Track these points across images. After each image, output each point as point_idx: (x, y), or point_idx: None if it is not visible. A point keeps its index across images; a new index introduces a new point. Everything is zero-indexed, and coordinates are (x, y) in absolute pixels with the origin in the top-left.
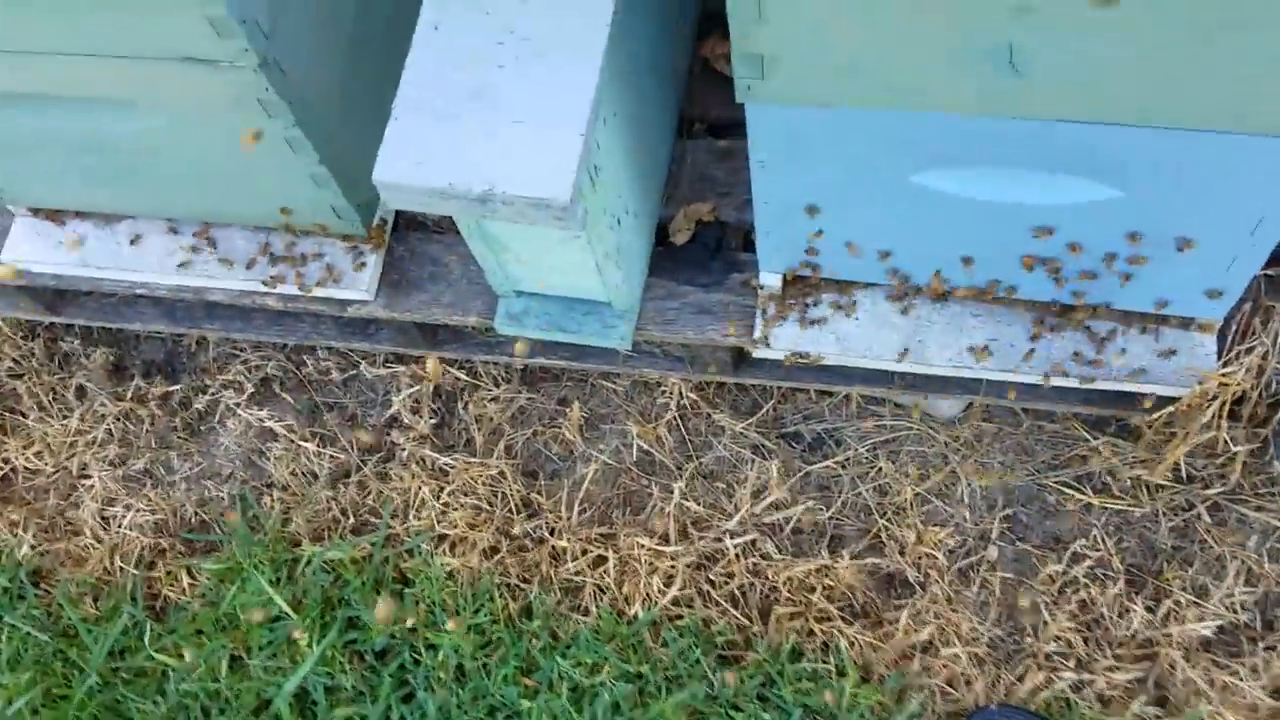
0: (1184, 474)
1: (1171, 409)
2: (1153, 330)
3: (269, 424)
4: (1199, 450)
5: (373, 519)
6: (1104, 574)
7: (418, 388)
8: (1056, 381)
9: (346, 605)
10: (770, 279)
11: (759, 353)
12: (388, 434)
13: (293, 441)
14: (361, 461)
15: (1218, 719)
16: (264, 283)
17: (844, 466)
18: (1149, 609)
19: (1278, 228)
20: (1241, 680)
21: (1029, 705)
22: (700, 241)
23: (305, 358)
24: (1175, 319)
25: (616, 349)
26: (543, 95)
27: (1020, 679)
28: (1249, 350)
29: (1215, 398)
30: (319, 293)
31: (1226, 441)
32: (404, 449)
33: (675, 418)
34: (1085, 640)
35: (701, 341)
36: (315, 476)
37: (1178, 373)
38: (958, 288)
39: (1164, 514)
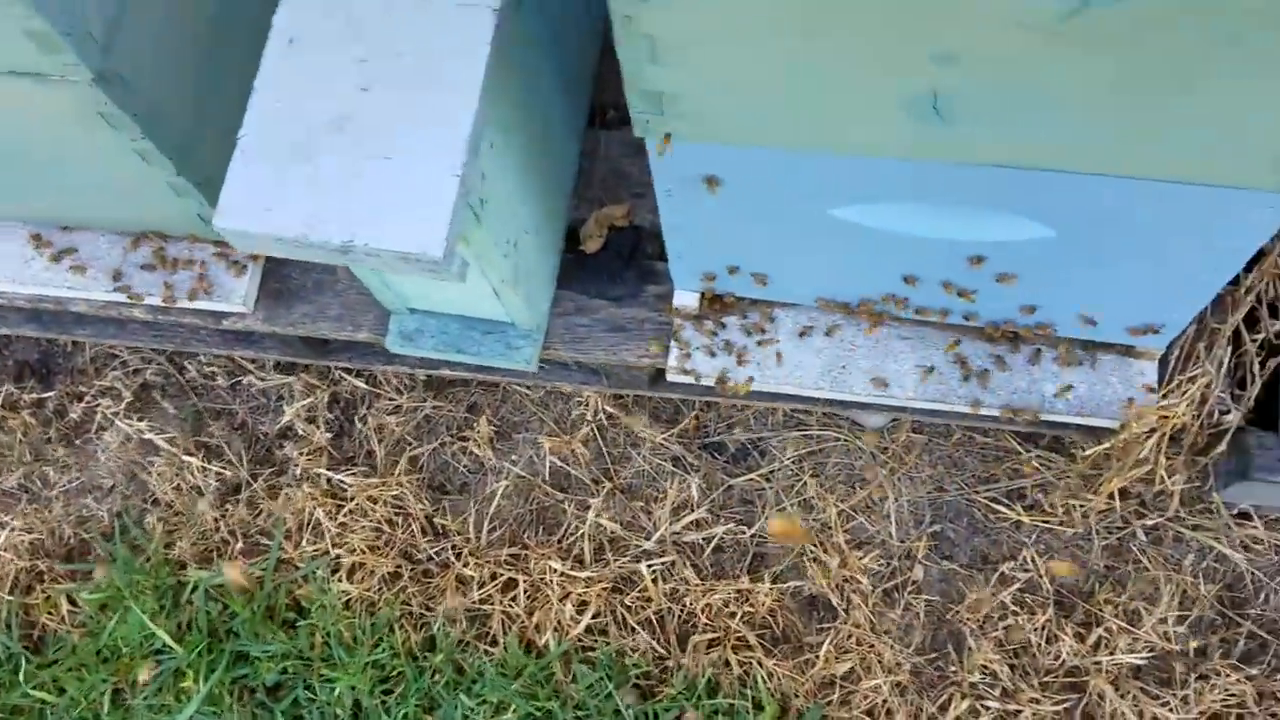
0: (1117, 504)
1: (1107, 445)
2: (1089, 357)
3: (149, 436)
4: (1136, 479)
5: (264, 540)
6: (1033, 598)
7: (312, 398)
8: (987, 412)
9: (235, 637)
10: (686, 298)
11: (675, 378)
12: (280, 446)
13: (175, 455)
14: (251, 477)
15: None
16: (128, 297)
17: (768, 480)
18: (1079, 636)
19: (1220, 272)
20: (1172, 712)
21: None
22: (613, 248)
23: (187, 363)
24: (1115, 346)
25: (522, 370)
26: (413, 125)
27: (943, 709)
28: (1191, 380)
29: (1154, 431)
30: (190, 305)
31: (1164, 477)
32: (297, 465)
33: (592, 429)
34: (1012, 668)
35: (615, 362)
36: (201, 493)
37: (1115, 404)
38: (884, 312)
39: (1097, 533)
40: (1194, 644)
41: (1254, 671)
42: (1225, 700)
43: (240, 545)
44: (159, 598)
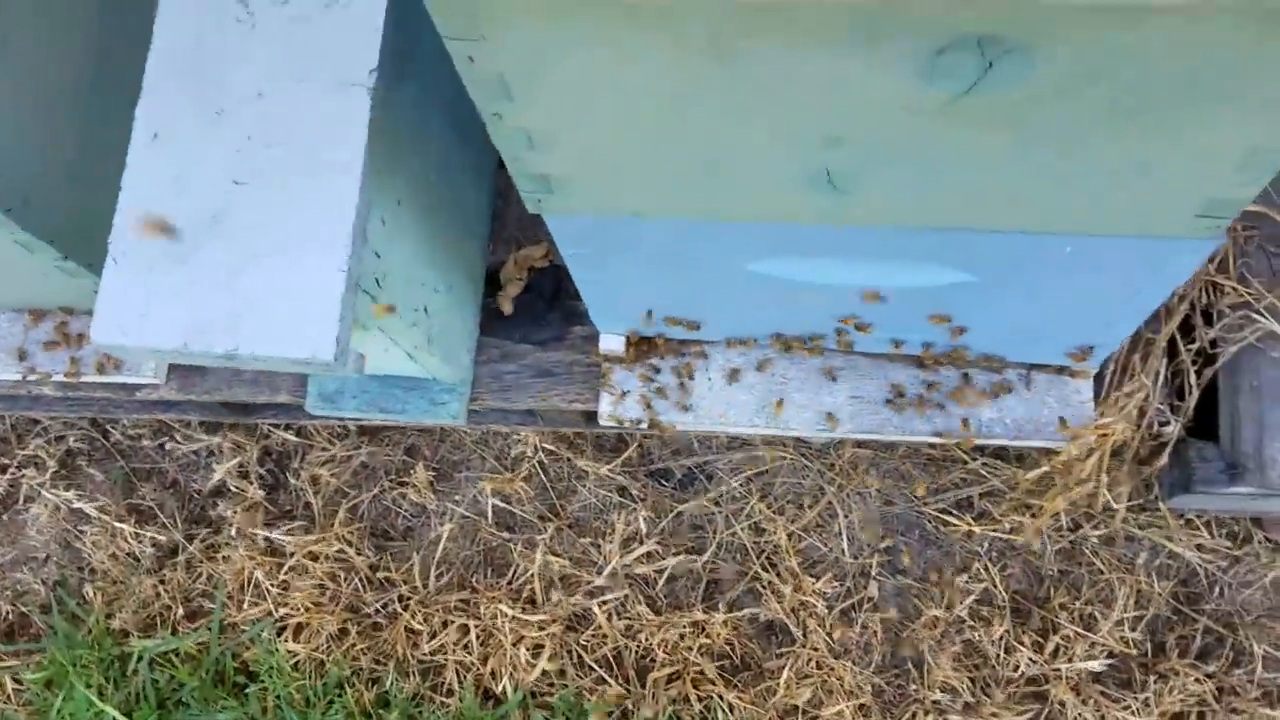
0: (1063, 518)
1: (1047, 468)
2: (1024, 378)
3: (79, 505)
4: (1080, 495)
5: (207, 603)
6: (989, 609)
7: (241, 455)
8: (920, 440)
9: (185, 707)
10: (612, 342)
11: (605, 423)
12: (214, 505)
13: (108, 522)
14: (187, 539)
15: None
16: (29, 379)
17: (717, 504)
18: (1037, 646)
19: (1150, 300)
20: (1134, 715)
21: None
22: (535, 290)
23: (110, 426)
24: (1050, 366)
25: (450, 424)
26: (292, 219)
27: None
28: (1128, 395)
29: (1094, 450)
30: (99, 379)
31: (1106, 495)
32: (233, 524)
33: (534, 466)
34: (972, 681)
35: (545, 409)
36: (137, 560)
37: (1052, 425)
38: (812, 348)
39: (1048, 538)
40: (1152, 642)
41: (1212, 668)
42: (1185, 699)
43: (181, 611)
44: (104, 670)
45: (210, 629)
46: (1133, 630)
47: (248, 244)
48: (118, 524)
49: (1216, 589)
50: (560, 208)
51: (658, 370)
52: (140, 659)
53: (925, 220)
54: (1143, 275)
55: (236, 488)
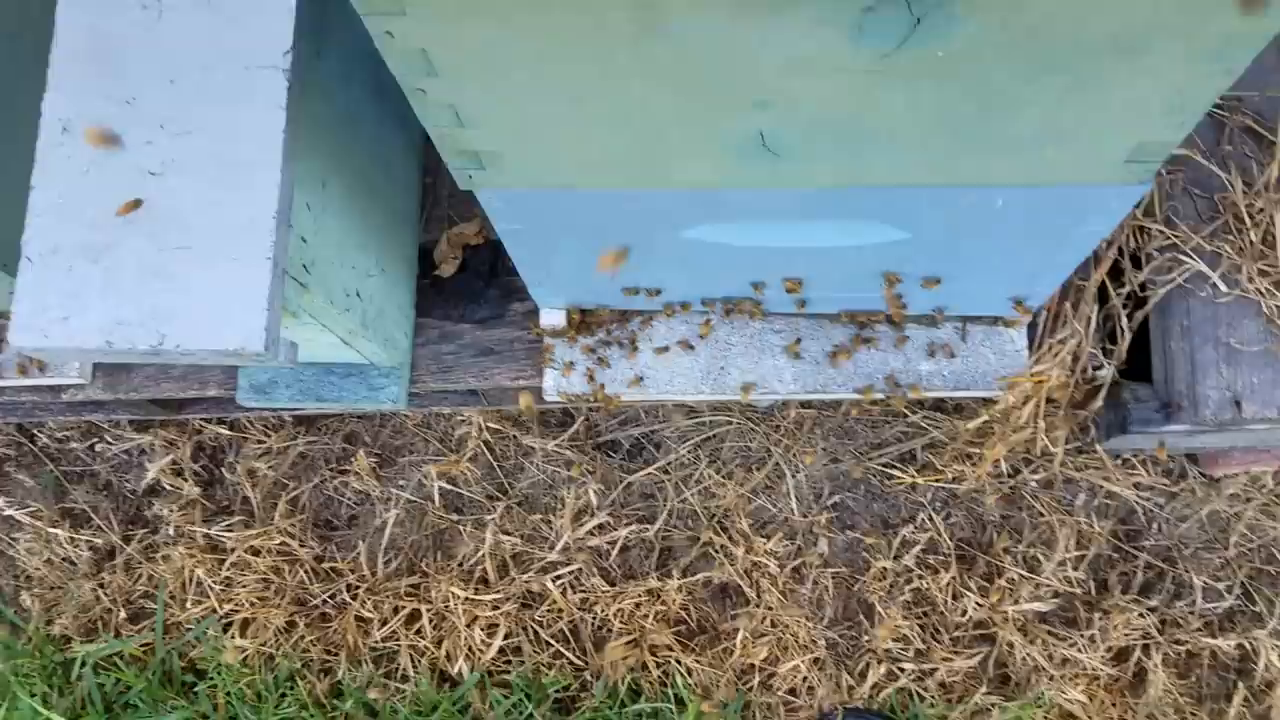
0: (1003, 464)
1: (986, 417)
2: (959, 330)
3: (10, 512)
4: (1019, 442)
5: (149, 604)
6: (935, 558)
7: (174, 452)
8: (865, 396)
9: (134, 710)
10: (553, 316)
11: (551, 398)
12: (149, 505)
13: (41, 528)
14: (124, 540)
15: (1060, 696)
16: None
17: (666, 472)
18: (983, 590)
19: (1078, 252)
20: (1081, 651)
21: (873, 704)
22: (471, 268)
23: (37, 430)
24: (985, 317)
25: (390, 409)
26: (213, 209)
27: (862, 676)
28: (1061, 341)
29: (1030, 398)
30: (22, 382)
31: (1044, 440)
32: (170, 523)
33: (479, 445)
34: (922, 629)
35: (488, 387)
36: (74, 564)
37: (989, 375)
38: (751, 310)
39: (989, 486)
40: (1094, 580)
41: (1154, 602)
42: (1130, 633)
43: (124, 614)
44: (47, 678)
45: (154, 630)
46: (1075, 570)
47: (168, 237)
48: (51, 529)
49: (1154, 525)
50: (491, 183)
51: (600, 343)
52: (84, 664)
53: (859, 179)
54: (1074, 223)
55: (171, 486)
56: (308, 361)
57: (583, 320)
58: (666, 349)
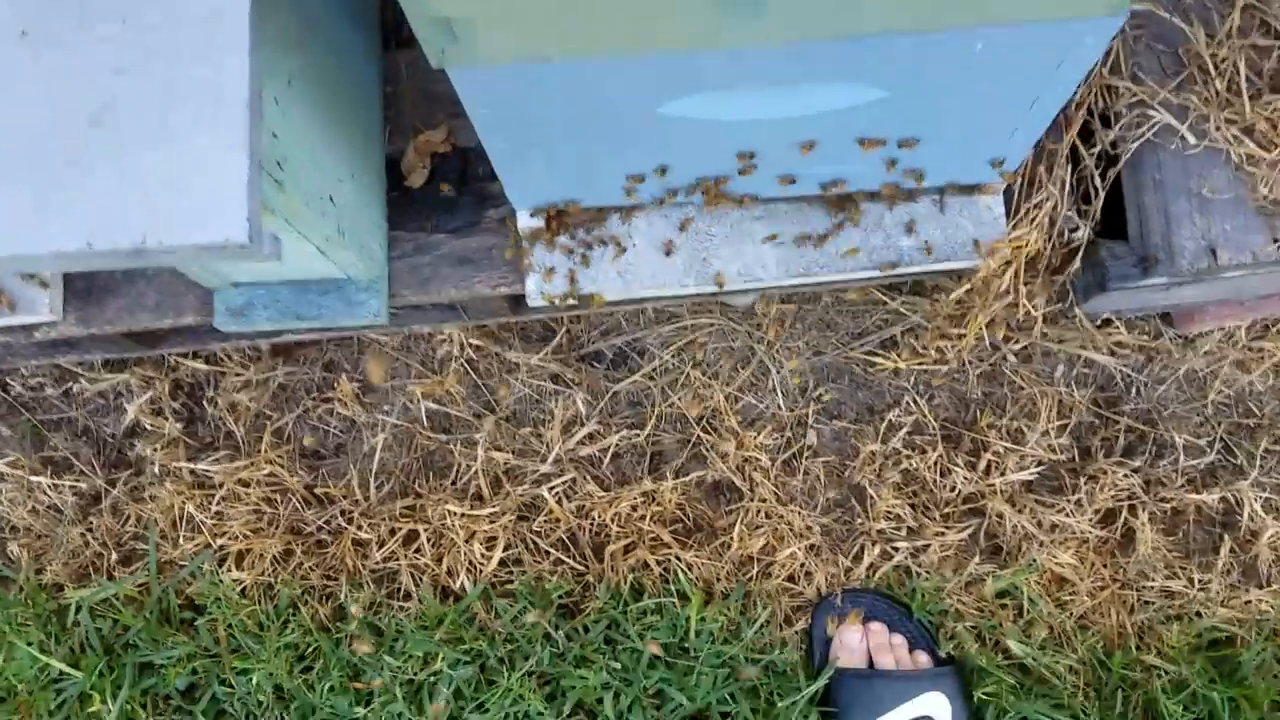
0: (985, 336)
1: (967, 285)
2: (937, 203)
3: None
4: (1000, 310)
5: (140, 545)
6: (922, 438)
7: (152, 390)
8: (849, 277)
9: (134, 649)
10: (528, 218)
11: (534, 302)
12: (131, 446)
13: (22, 477)
14: (109, 484)
15: (1051, 561)
16: None
17: (652, 378)
18: (970, 465)
19: (1053, 102)
20: (1068, 516)
21: (870, 584)
22: (442, 177)
23: (9, 379)
24: (959, 187)
25: (371, 324)
26: (182, 102)
27: (857, 559)
28: (1037, 206)
29: (1010, 263)
30: None
31: (1025, 304)
32: (154, 462)
33: (462, 365)
34: (913, 508)
35: (468, 297)
36: (60, 511)
37: (968, 244)
38: (730, 194)
39: (970, 364)
40: (1078, 447)
41: (1138, 463)
42: (1116, 495)
43: (115, 556)
44: (42, 626)
45: (148, 570)
46: (1059, 438)
47: (138, 135)
48: (33, 478)
49: (1133, 389)
50: (464, 59)
51: (580, 243)
52: (79, 609)
53: (843, 27)
54: (1052, 65)
55: (152, 426)
56: (284, 281)
57: (561, 220)
58: (647, 244)
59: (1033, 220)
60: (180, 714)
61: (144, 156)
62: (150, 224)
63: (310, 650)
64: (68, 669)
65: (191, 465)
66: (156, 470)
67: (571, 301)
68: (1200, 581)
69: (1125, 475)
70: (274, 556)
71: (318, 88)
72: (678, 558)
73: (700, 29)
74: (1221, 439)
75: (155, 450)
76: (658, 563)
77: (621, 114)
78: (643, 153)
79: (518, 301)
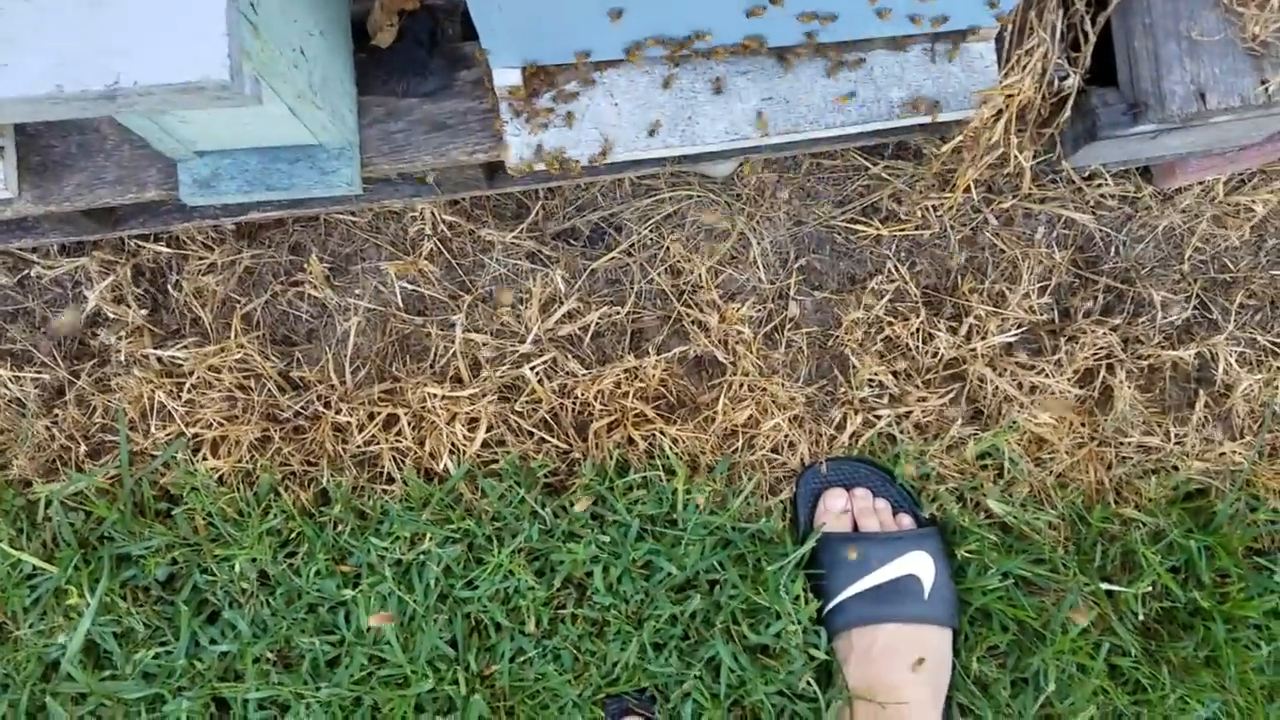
0: (973, 194)
1: (958, 139)
2: (928, 52)
3: None
4: (988, 165)
5: (109, 436)
6: (904, 305)
7: (112, 275)
8: (840, 132)
9: (110, 541)
10: (508, 76)
11: (514, 164)
12: (94, 335)
13: None
14: (73, 375)
15: (1031, 421)
16: None
17: (630, 254)
18: (951, 330)
19: None
20: (1048, 377)
21: (853, 452)
22: (411, 37)
23: None
24: (950, 34)
25: (345, 194)
26: None
27: (840, 428)
28: (1028, 53)
29: (1001, 113)
30: None
31: (1016, 156)
32: (119, 350)
33: (435, 244)
34: (895, 375)
35: (444, 164)
36: (23, 405)
37: (962, 94)
38: (716, 47)
39: (952, 229)
40: (1058, 308)
41: (1116, 321)
42: (1095, 354)
43: (84, 449)
44: (12, 522)
45: (119, 461)
46: (1039, 299)
47: None
48: None
49: (1112, 249)
50: None
51: (559, 102)
52: (49, 504)
53: None
54: None
55: (114, 314)
56: (252, 149)
57: (540, 78)
58: (629, 103)
59: (1025, 67)
60: (161, 604)
61: None
62: (123, 64)
63: (294, 535)
64: (42, 564)
65: (159, 353)
66: (122, 359)
67: (552, 164)
68: (1176, 435)
69: (1104, 334)
70: (251, 443)
71: None
72: (662, 433)
73: None
74: (1198, 295)
75: (119, 338)
76: (643, 438)
77: None
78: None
79: (494, 171)
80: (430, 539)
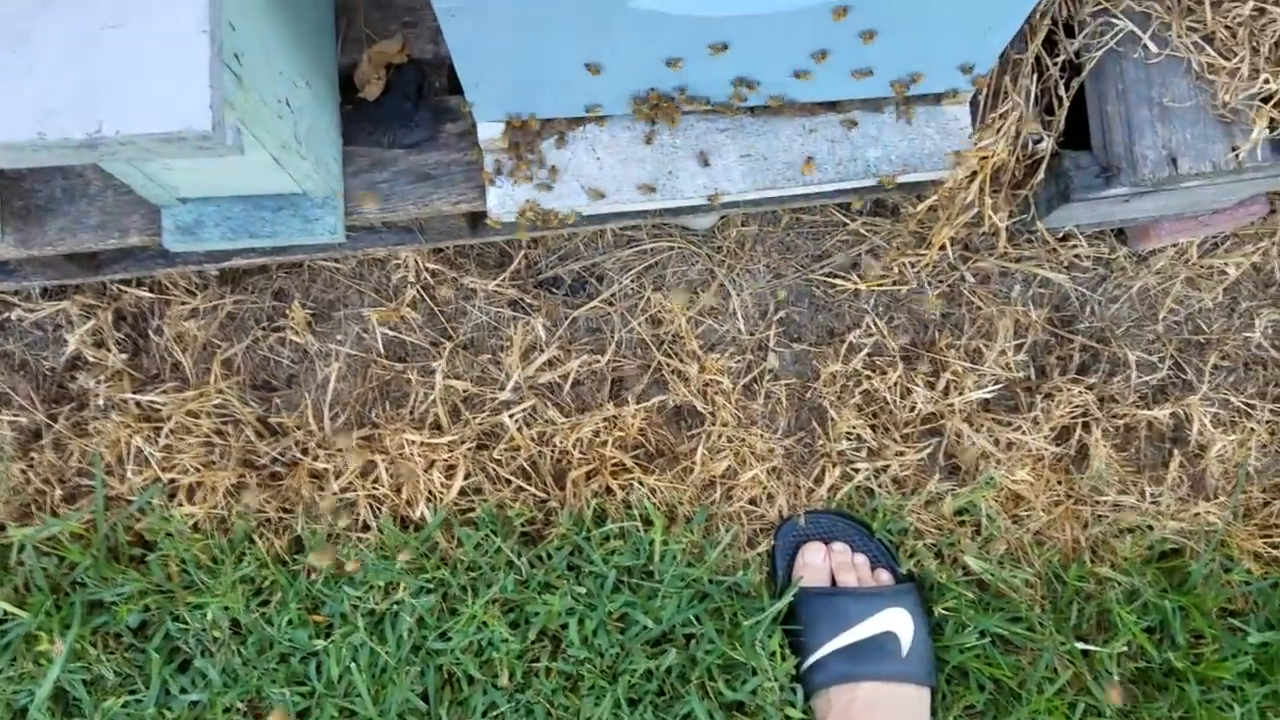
0: (949, 252)
1: (934, 198)
2: (904, 114)
3: None
4: (963, 224)
5: (85, 481)
6: (882, 359)
7: (93, 319)
8: (815, 189)
9: (82, 587)
10: (492, 130)
11: (496, 217)
12: (73, 379)
13: None
14: (50, 418)
15: (1008, 478)
16: None
17: (611, 303)
18: (929, 384)
19: None
20: (1025, 434)
21: (831, 505)
22: (398, 90)
23: None
24: (927, 98)
25: (328, 243)
26: None
27: (818, 480)
28: (1003, 116)
29: (975, 174)
30: None
31: (990, 216)
32: (98, 394)
33: (418, 291)
34: (874, 429)
35: (428, 214)
36: None
37: (936, 155)
38: (695, 98)
39: (929, 285)
40: (1034, 366)
41: (1092, 380)
42: (1071, 412)
43: (59, 493)
44: None
45: (94, 506)
46: (1015, 357)
47: (92, 16)
48: None
49: (1088, 308)
50: None
51: (542, 155)
52: (22, 548)
53: None
54: None
55: (94, 357)
56: (236, 196)
57: (524, 132)
58: (610, 157)
59: (998, 130)
60: (132, 651)
61: (99, 39)
62: (106, 113)
63: (267, 583)
64: (13, 609)
65: (138, 397)
66: (101, 403)
67: (534, 216)
68: (1152, 495)
69: (1080, 393)
70: (227, 489)
71: None
72: (640, 482)
73: None
74: (1172, 355)
75: (99, 382)
76: (620, 488)
77: (593, 8)
78: (609, 58)
79: (476, 221)
80: (404, 588)
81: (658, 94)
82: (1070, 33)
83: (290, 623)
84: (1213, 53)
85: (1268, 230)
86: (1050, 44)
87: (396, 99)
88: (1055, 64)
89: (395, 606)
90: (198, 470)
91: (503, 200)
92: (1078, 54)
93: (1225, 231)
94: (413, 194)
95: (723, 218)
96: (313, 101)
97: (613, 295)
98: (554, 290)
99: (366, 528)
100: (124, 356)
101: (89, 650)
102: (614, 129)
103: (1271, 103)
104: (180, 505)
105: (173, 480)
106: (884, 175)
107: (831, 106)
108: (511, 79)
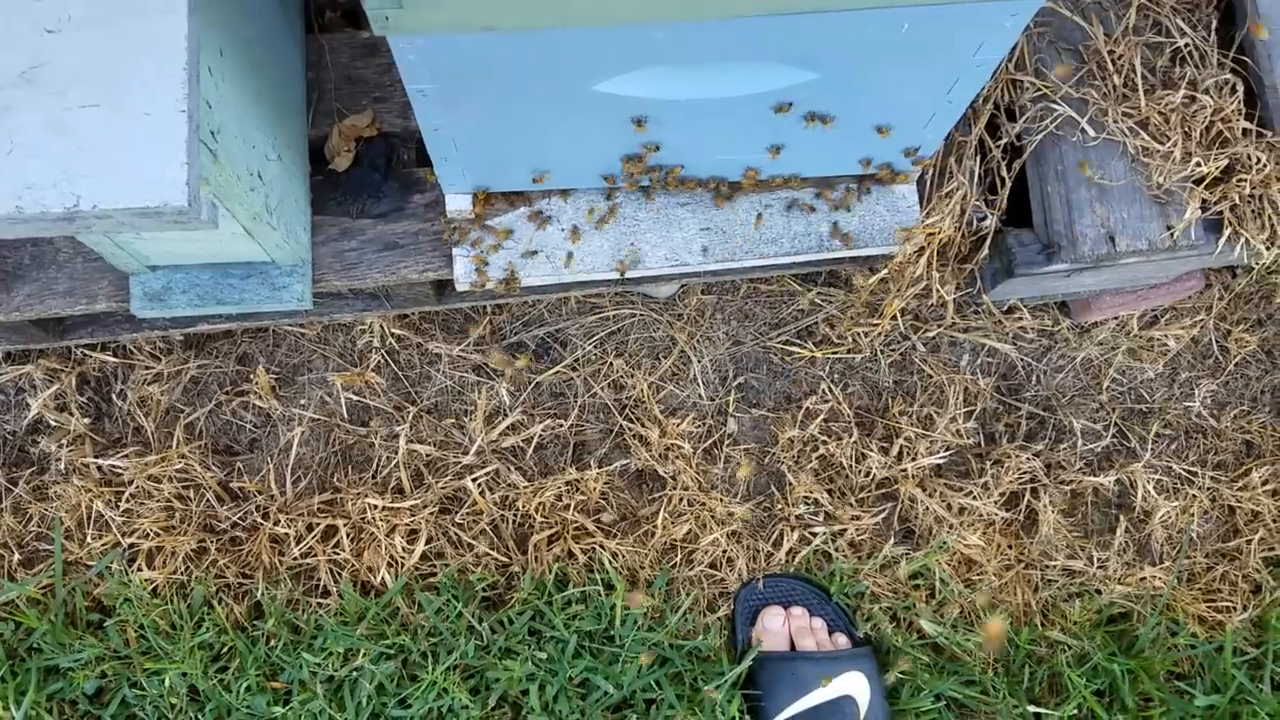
0: (900, 322)
1: (884, 272)
2: (854, 191)
3: None
4: (913, 296)
5: (44, 545)
6: (837, 425)
7: (57, 384)
8: (772, 262)
9: (39, 653)
10: (459, 202)
11: (462, 286)
12: (34, 443)
13: None
14: (10, 482)
15: (960, 542)
16: None
17: (574, 369)
18: (883, 450)
19: (970, 87)
20: (976, 499)
21: (790, 569)
22: (367, 162)
23: None
24: (875, 176)
25: (295, 310)
26: (118, 62)
27: (777, 544)
28: (948, 195)
29: (923, 250)
30: None
31: (938, 290)
32: (59, 459)
33: (382, 356)
34: (830, 493)
35: (395, 282)
36: None
37: (886, 231)
38: (672, 173)
39: (882, 353)
40: (983, 433)
41: (1039, 447)
42: (1019, 478)
43: (17, 558)
44: None
45: (53, 571)
46: (966, 423)
47: (72, 95)
48: None
49: (1034, 377)
50: (409, 26)
51: (509, 228)
52: None
53: (785, 6)
54: (972, 47)
55: (56, 421)
56: (205, 264)
57: (490, 204)
58: (575, 230)
59: (945, 208)
60: (88, 719)
61: (76, 118)
62: (83, 188)
63: (226, 650)
64: None
65: (99, 461)
66: (62, 467)
67: (499, 284)
68: (1099, 560)
69: (1028, 459)
70: (187, 554)
71: (247, 63)
72: (602, 546)
73: (640, 5)
74: (1116, 424)
75: (61, 446)
76: (582, 552)
77: (556, 90)
78: (575, 137)
79: (442, 289)
80: (364, 655)
81: (628, 169)
82: (1012, 116)
83: (249, 689)
84: (1147, 137)
85: (1204, 304)
86: (993, 127)
87: (366, 170)
88: (998, 146)
89: (354, 673)
90: (158, 535)
91: (468, 269)
92: (1019, 137)
93: (1164, 305)
94: (380, 262)
95: (683, 286)
96: (284, 174)
97: (576, 360)
98: (518, 355)
99: (326, 593)
100: (86, 421)
101: (44, 718)
102: (579, 201)
103: (1203, 184)
104: (140, 570)
105: (133, 545)
106: (836, 250)
107: (786, 183)
108: (479, 155)
